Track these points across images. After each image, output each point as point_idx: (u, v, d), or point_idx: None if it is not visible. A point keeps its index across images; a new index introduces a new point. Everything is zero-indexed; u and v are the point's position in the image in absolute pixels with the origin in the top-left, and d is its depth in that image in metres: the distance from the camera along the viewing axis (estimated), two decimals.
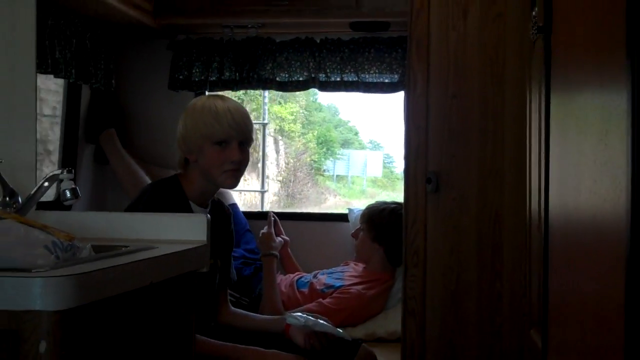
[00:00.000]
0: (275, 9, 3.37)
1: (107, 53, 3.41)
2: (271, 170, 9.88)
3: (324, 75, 3.55)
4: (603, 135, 1.00)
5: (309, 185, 11.85)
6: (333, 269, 3.38)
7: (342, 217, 3.71)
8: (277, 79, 3.58)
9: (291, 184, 11.33)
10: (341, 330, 2.48)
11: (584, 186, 1.13)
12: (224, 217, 2.55)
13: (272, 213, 3.52)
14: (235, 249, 3.17)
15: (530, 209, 2.11)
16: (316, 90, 3.60)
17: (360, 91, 3.60)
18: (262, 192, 4.29)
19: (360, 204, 4.42)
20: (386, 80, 3.52)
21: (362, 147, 14.13)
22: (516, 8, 2.57)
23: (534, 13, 1.85)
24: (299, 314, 2.52)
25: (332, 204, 11.67)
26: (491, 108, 2.63)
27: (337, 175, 13.44)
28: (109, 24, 3.34)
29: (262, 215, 3.74)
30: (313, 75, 3.55)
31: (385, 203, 3.38)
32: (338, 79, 3.54)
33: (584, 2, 1.21)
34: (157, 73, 3.67)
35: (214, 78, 3.59)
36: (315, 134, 12.96)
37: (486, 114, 2.63)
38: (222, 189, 2.64)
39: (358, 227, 3.35)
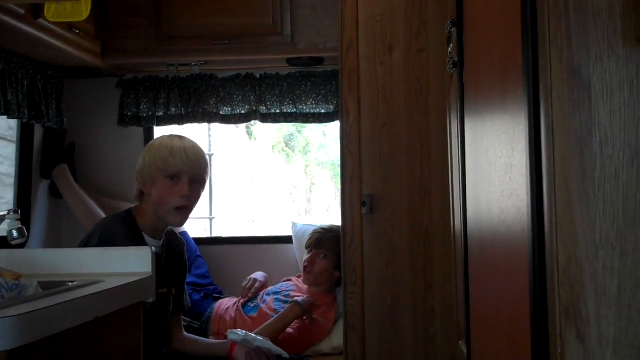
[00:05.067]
0: (217, 47, 3.35)
1: (57, 93, 3.34)
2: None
3: (264, 108, 3.54)
4: (508, 169, 1.00)
5: None
6: (277, 287, 3.33)
7: (285, 240, 3.70)
8: (221, 112, 3.55)
9: None
10: (279, 349, 2.44)
11: (494, 213, 1.14)
12: (178, 246, 2.52)
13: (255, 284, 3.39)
14: (187, 275, 3.11)
15: (454, 227, 2.12)
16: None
17: (299, 122, 3.60)
18: (211, 219, 4.25)
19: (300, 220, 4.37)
20: (323, 111, 3.52)
21: None
22: (436, 44, 2.60)
23: (449, 49, 1.87)
24: (239, 330, 2.49)
25: None
26: (418, 134, 2.65)
27: None
28: (59, 66, 3.28)
29: (211, 241, 3.71)
30: (254, 108, 3.54)
31: (332, 228, 3.31)
32: (278, 111, 3.54)
33: (489, 39, 1.22)
34: (107, 110, 3.63)
35: (161, 113, 3.55)
36: None
37: (414, 140, 2.66)
38: None
39: (312, 252, 3.23)
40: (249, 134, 7.21)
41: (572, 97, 0.80)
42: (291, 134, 7.49)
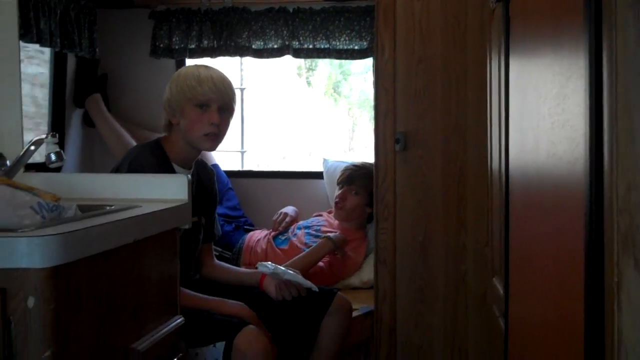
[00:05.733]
0: None
1: (90, 23, 3.32)
2: None
3: (297, 43, 3.49)
4: (560, 99, 0.97)
5: None
6: (308, 221, 3.34)
7: (316, 175, 3.69)
8: (253, 46, 3.51)
9: None
10: (309, 282, 2.46)
11: (542, 147, 1.11)
12: (208, 176, 2.52)
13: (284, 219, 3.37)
14: (218, 206, 3.13)
15: (492, 166, 2.09)
16: None
17: (331, 57, 3.55)
18: (242, 152, 4.25)
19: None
20: (356, 47, 3.47)
21: None
22: None
23: None
24: (269, 262, 2.50)
25: None
26: (454, 71, 2.61)
27: None
28: None
29: (243, 174, 3.71)
30: (287, 43, 3.49)
31: (364, 165, 3.29)
32: (311, 47, 3.48)
33: None
34: (139, 41, 3.60)
35: (193, 46, 3.52)
36: None
37: (450, 77, 2.61)
38: (204, 152, 2.60)
39: (344, 188, 3.22)
40: (308, 83, 7.56)
41: (638, 23, 0.76)
42: (338, 81, 7.80)
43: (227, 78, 2.35)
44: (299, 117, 7.39)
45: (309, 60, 7.28)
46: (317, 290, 2.42)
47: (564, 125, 0.95)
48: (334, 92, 7.89)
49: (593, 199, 0.79)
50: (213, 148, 2.34)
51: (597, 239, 0.77)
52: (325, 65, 7.50)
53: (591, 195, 0.79)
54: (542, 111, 1.09)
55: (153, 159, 2.27)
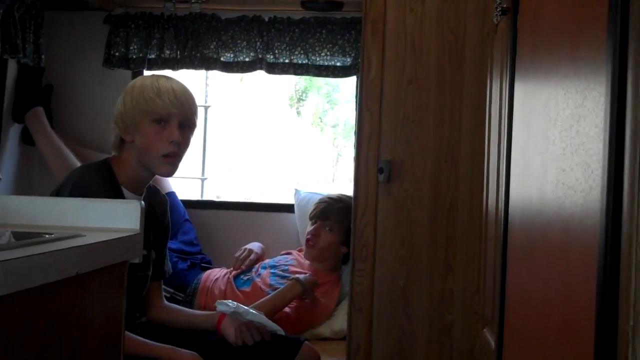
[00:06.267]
0: None
1: (36, 26, 3.28)
2: None
3: (272, 57, 3.49)
4: (575, 120, 0.96)
5: None
6: (274, 260, 3.31)
7: (286, 208, 3.68)
8: (222, 58, 3.51)
9: None
10: (275, 324, 2.42)
11: (550, 176, 1.10)
12: (160, 205, 2.49)
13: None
14: (172, 240, 3.09)
15: (487, 201, 2.09)
16: None
17: (310, 74, 3.57)
18: (202, 180, 4.22)
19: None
20: (338, 64, 3.48)
21: None
22: None
23: None
24: (229, 301, 2.46)
25: None
26: (448, 92, 2.61)
27: None
28: None
29: (202, 204, 3.68)
30: (260, 56, 3.49)
31: (340, 198, 3.28)
32: (287, 61, 3.49)
33: None
34: (92, 49, 3.59)
35: (153, 56, 3.51)
36: None
37: (443, 99, 2.61)
38: (158, 176, 2.58)
39: (317, 224, 3.22)
40: (298, 113, 7.97)
41: None
42: (325, 110, 8.30)
43: (189, 90, 2.36)
44: (278, 145, 7.49)
45: (299, 90, 7.53)
46: (283, 333, 2.40)
47: (577, 149, 0.94)
48: (320, 121, 8.28)
49: (609, 233, 0.77)
50: (171, 173, 2.32)
51: (612, 280, 0.76)
52: (314, 95, 7.93)
53: (607, 228, 0.78)
54: (552, 135, 1.09)
55: (100, 180, 2.25)
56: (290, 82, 7.50)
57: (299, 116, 8.01)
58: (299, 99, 8.11)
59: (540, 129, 1.18)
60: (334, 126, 8.27)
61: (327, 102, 8.16)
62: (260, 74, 3.63)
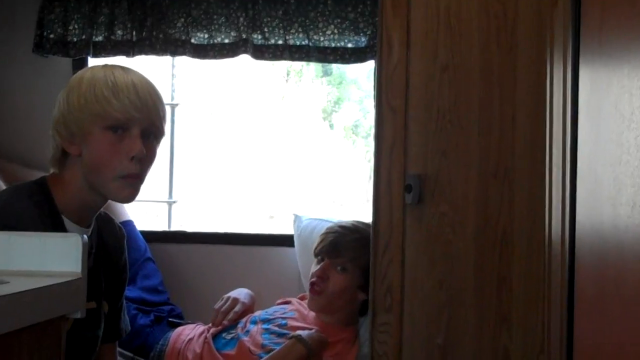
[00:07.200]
0: None
1: None
2: None
3: (260, 37, 3.53)
4: None
5: None
6: (268, 312, 3.33)
7: (284, 240, 3.70)
8: (193, 40, 3.55)
9: None
10: None
11: (625, 196, 1.12)
12: (115, 240, 2.52)
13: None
14: (130, 286, 3.11)
15: (551, 229, 2.10)
16: None
17: (311, 60, 3.59)
18: (170, 203, 4.25)
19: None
20: (349, 45, 3.51)
21: None
22: None
23: None
24: None
25: None
26: (497, 84, 2.63)
27: None
28: None
29: (170, 237, 3.71)
30: (244, 36, 3.52)
31: (356, 227, 3.29)
32: (280, 42, 3.52)
33: None
34: (18, 30, 3.63)
35: (100, 38, 3.55)
36: None
37: (490, 93, 2.63)
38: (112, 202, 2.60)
39: (325, 262, 3.23)
40: (331, 126, 8.20)
41: None
42: (357, 120, 8.47)
43: (154, 86, 2.35)
44: (272, 156, 7.51)
45: (332, 102, 7.62)
46: None
47: None
48: (353, 133, 8.42)
49: None
50: (131, 198, 2.33)
51: None
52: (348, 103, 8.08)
53: None
54: (626, 140, 1.11)
55: (32, 207, 2.26)
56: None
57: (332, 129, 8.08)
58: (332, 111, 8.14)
59: (611, 133, 1.20)
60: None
61: (360, 110, 8.22)
62: (244, 60, 3.66)
